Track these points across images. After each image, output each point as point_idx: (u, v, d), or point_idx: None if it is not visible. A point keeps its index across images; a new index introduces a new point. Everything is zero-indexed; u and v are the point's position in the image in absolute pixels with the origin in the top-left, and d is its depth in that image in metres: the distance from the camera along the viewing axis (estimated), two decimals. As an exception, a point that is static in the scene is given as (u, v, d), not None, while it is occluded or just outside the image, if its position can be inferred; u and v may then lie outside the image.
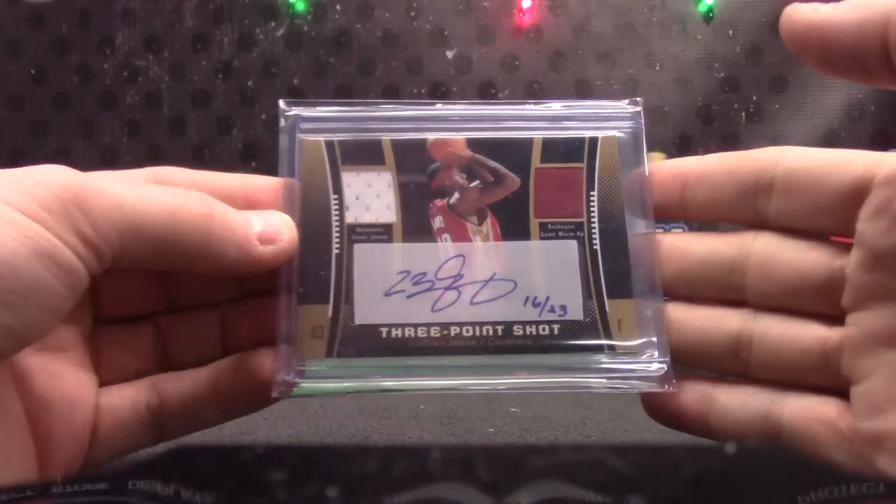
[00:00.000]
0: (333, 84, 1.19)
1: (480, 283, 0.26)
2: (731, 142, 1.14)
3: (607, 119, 0.28)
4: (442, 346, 0.25)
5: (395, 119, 0.28)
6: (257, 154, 1.18)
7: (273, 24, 1.20)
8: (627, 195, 0.27)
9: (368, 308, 0.26)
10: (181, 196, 0.22)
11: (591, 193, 0.27)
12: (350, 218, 0.27)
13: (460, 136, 0.27)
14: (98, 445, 0.24)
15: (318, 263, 0.26)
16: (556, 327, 0.26)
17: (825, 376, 0.24)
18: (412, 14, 1.19)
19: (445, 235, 0.27)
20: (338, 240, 0.26)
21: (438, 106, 0.28)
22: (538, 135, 0.27)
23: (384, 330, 0.25)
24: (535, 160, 0.27)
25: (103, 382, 0.25)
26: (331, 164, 0.27)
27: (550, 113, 0.28)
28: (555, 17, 1.18)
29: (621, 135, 0.27)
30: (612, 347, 0.26)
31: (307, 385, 0.25)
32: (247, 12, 1.20)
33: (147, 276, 0.26)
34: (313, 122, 0.27)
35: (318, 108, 0.27)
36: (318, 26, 1.20)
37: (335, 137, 0.27)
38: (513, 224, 0.27)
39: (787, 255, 0.24)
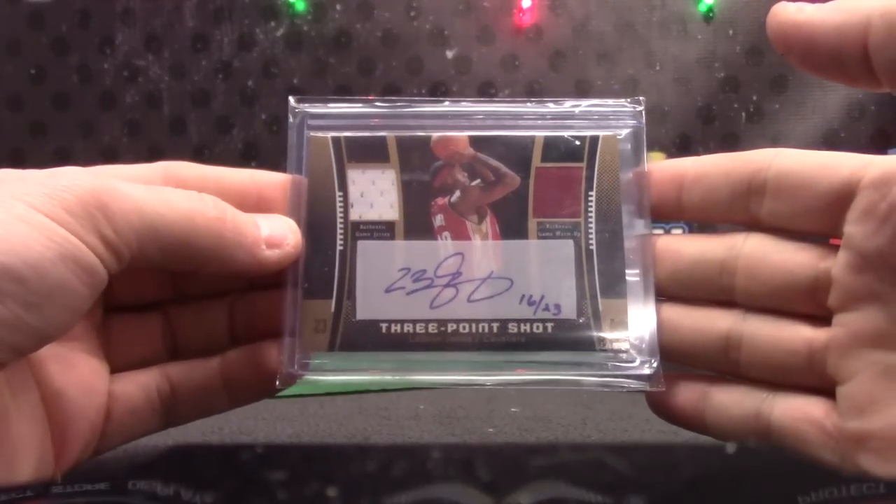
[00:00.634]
0: (333, 84, 1.19)
1: (478, 281, 0.27)
2: (731, 142, 1.14)
3: (609, 118, 0.28)
4: (439, 342, 0.26)
5: (401, 116, 0.28)
6: (257, 154, 1.18)
7: (273, 24, 1.20)
8: (626, 195, 0.27)
9: (370, 304, 0.26)
10: (196, 200, 0.23)
11: (590, 194, 0.27)
12: (354, 215, 0.27)
13: (463, 134, 0.28)
14: (111, 431, 0.25)
15: (322, 259, 0.27)
16: (549, 325, 0.26)
17: (812, 376, 0.24)
18: (412, 14, 1.19)
19: (446, 233, 0.27)
20: (342, 236, 0.27)
21: (446, 103, 0.28)
22: (540, 133, 0.28)
23: (384, 325, 0.26)
24: (536, 159, 0.27)
25: (114, 370, 0.26)
26: (337, 161, 0.27)
27: (553, 111, 0.28)
28: (555, 17, 1.18)
29: (622, 134, 0.28)
30: (603, 346, 0.26)
31: (310, 377, 0.25)
32: (247, 12, 1.20)
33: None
34: (321, 118, 0.28)
35: (326, 106, 0.28)
36: (318, 26, 1.20)
37: (342, 134, 0.28)
38: (511, 223, 0.27)
39: (774, 256, 0.25)
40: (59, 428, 0.23)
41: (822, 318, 0.24)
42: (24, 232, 0.19)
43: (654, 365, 0.26)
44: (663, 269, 0.26)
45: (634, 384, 0.25)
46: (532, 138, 0.28)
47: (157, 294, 0.27)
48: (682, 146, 1.14)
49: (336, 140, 0.28)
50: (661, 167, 0.27)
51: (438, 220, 0.27)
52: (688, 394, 0.26)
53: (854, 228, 0.23)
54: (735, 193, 0.25)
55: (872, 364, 0.22)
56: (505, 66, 1.18)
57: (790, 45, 0.23)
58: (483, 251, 0.27)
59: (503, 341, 0.26)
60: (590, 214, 0.27)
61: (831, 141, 1.12)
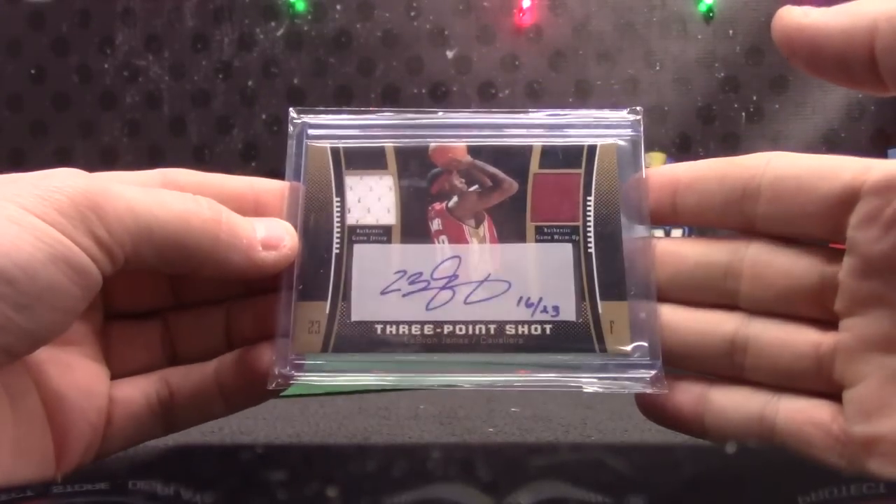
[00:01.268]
0: (333, 84, 1.19)
1: (475, 284, 0.27)
2: (731, 142, 1.14)
3: (607, 127, 0.28)
4: (435, 343, 0.26)
5: (400, 126, 0.28)
6: (257, 154, 1.18)
7: (273, 24, 1.20)
8: (624, 200, 0.27)
9: (365, 305, 0.26)
10: (191, 202, 0.23)
11: (588, 198, 0.27)
12: (351, 219, 0.27)
13: (461, 144, 0.28)
14: (111, 436, 0.25)
15: (318, 262, 0.27)
16: (548, 327, 0.26)
17: (819, 380, 0.24)
18: (412, 14, 1.19)
19: (443, 237, 0.27)
20: (338, 240, 0.27)
21: (441, 114, 0.29)
22: (538, 142, 0.28)
23: (379, 327, 0.26)
24: (534, 166, 0.27)
25: (114, 375, 0.26)
26: (335, 169, 0.28)
27: (550, 121, 0.28)
28: (555, 17, 1.18)
29: (620, 143, 0.28)
30: (603, 348, 0.26)
31: (303, 378, 0.25)
32: (247, 12, 1.20)
33: (156, 273, 0.26)
34: (320, 129, 0.28)
35: (325, 116, 0.28)
36: (318, 26, 1.20)
37: (341, 144, 0.28)
38: (509, 227, 0.27)
39: (779, 260, 0.25)
40: (60, 432, 0.23)
41: (828, 322, 0.24)
42: (14, 233, 0.19)
43: (657, 367, 0.25)
44: (664, 272, 0.26)
45: (636, 387, 0.25)
46: (530, 147, 0.28)
47: (157, 301, 0.27)
48: (682, 146, 1.14)
49: (335, 150, 0.28)
50: (658, 172, 0.27)
51: (436, 224, 0.27)
52: (685, 397, 0.26)
53: (858, 234, 0.23)
54: (729, 198, 0.25)
55: (880, 368, 0.22)
56: (505, 66, 1.18)
57: (795, 49, 0.22)
58: (480, 254, 0.27)
59: (500, 343, 0.26)
60: (588, 218, 0.27)
61: (831, 141, 1.12)
